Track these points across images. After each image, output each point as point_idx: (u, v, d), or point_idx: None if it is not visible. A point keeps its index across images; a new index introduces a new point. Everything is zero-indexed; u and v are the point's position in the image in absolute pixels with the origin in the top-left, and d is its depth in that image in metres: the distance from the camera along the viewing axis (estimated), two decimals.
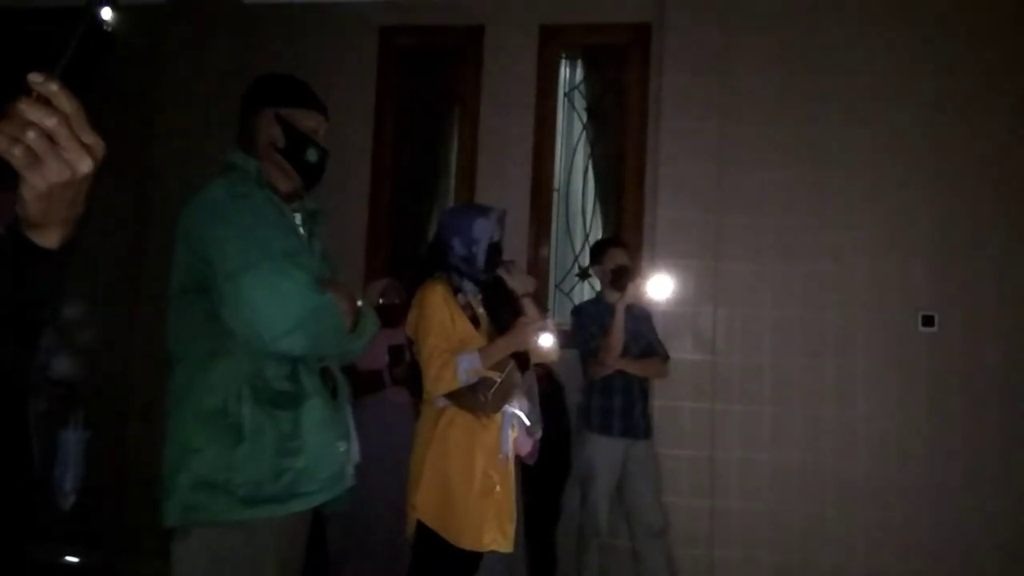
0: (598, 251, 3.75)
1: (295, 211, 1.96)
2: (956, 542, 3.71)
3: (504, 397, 2.53)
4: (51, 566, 4.13)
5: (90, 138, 0.75)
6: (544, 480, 3.57)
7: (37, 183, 0.74)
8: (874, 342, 3.85)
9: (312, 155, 1.96)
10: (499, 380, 2.50)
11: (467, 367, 2.46)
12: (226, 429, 1.69)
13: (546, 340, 2.67)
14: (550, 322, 2.69)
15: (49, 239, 0.80)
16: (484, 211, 2.69)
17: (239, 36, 4.35)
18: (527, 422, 2.65)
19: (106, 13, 0.80)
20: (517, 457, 2.70)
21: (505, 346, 2.56)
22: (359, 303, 1.90)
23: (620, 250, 3.65)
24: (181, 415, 1.75)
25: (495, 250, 2.65)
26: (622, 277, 3.53)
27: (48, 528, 3.39)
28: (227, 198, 1.76)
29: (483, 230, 2.60)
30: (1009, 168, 3.82)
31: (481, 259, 2.60)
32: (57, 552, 4.20)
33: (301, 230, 1.95)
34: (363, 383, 3.43)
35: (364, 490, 3.08)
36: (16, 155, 0.72)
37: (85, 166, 0.75)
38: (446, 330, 2.51)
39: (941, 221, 3.85)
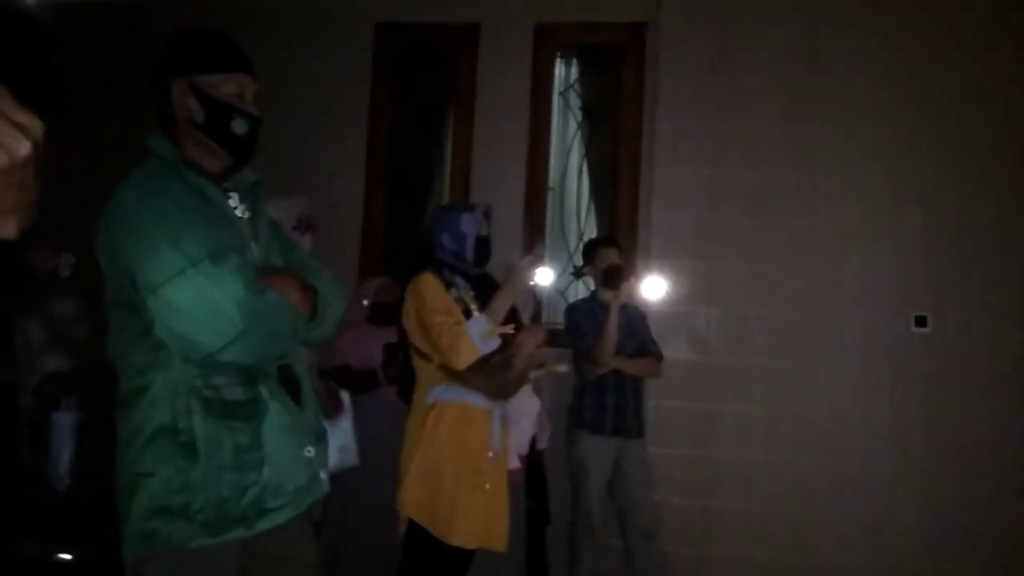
0: (590, 250, 3.75)
1: (230, 190, 1.73)
2: (950, 540, 3.72)
3: (522, 377, 2.53)
4: (44, 563, 4.11)
5: (23, 118, 0.71)
6: (535, 481, 3.57)
7: None
8: (867, 342, 3.86)
9: (239, 126, 1.68)
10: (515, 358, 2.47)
11: (479, 330, 2.42)
12: (178, 447, 1.53)
13: (544, 276, 2.64)
14: (541, 253, 2.62)
15: (5, 229, 0.76)
16: (470, 206, 2.73)
17: (233, 33, 4.33)
18: (521, 420, 2.66)
19: None
20: (524, 456, 2.71)
21: (507, 294, 2.51)
22: (317, 284, 1.73)
23: (612, 249, 3.66)
24: (129, 435, 1.59)
25: (483, 244, 2.66)
26: (614, 276, 3.54)
27: (40, 522, 3.38)
28: (137, 200, 1.55)
29: (470, 224, 2.62)
30: (1004, 168, 3.82)
31: (470, 253, 2.62)
32: (50, 548, 4.18)
33: (239, 211, 1.73)
34: (357, 381, 3.43)
35: (357, 489, 3.09)
36: None
37: (22, 148, 0.71)
38: (450, 307, 2.50)
39: (935, 221, 3.85)
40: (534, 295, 3.49)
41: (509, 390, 2.55)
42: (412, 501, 2.47)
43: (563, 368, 2.69)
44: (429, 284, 2.54)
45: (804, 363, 3.88)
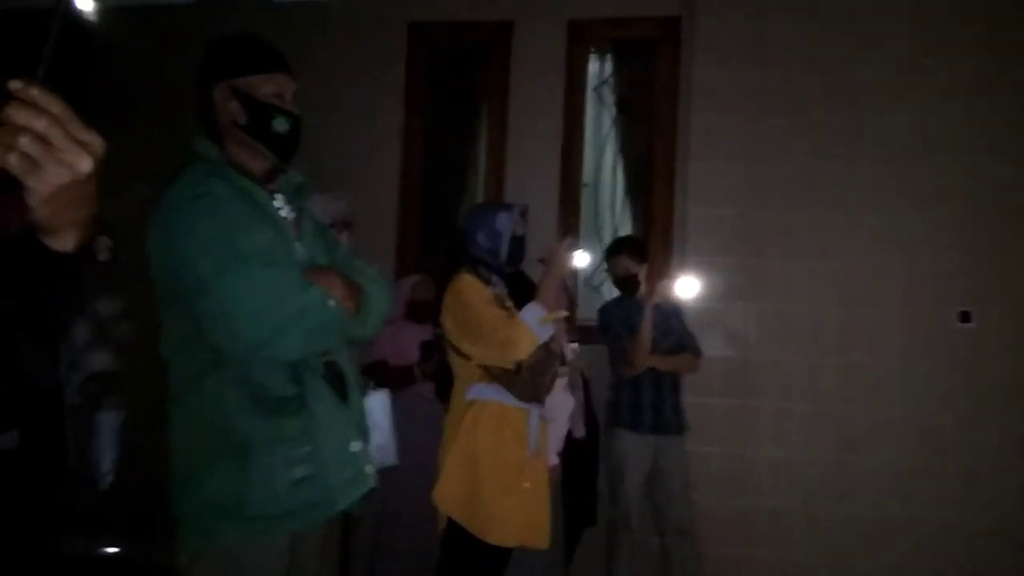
0: (608, 255, 3.73)
1: (275, 191, 1.78)
2: (995, 542, 3.64)
3: (552, 381, 2.54)
4: (88, 557, 4.21)
5: (85, 136, 0.74)
6: (574, 477, 3.56)
7: (39, 188, 0.73)
8: (910, 339, 3.79)
9: (281, 124, 1.72)
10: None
11: (535, 318, 2.43)
12: (230, 446, 1.58)
13: (581, 258, 2.66)
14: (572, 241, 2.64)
15: (64, 242, 0.79)
16: (506, 206, 2.75)
17: (269, 34, 4.38)
18: (558, 419, 2.66)
19: (84, 4, 0.78)
20: (560, 454, 2.72)
21: (551, 281, 2.52)
22: (362, 281, 1.76)
23: (628, 258, 3.62)
24: (181, 433, 1.65)
25: (518, 244, 2.67)
26: (629, 286, 3.54)
27: (85, 518, 3.46)
28: (186, 202, 1.59)
29: (505, 223, 2.63)
30: None
31: (505, 252, 2.64)
32: (94, 543, 4.28)
33: (285, 212, 1.77)
34: (394, 378, 3.45)
35: (393, 486, 3.11)
36: (13, 163, 0.71)
37: (84, 165, 0.73)
38: (497, 306, 2.53)
39: (979, 214, 3.77)
40: (566, 285, 3.50)
41: (541, 393, 2.55)
42: (450, 499, 2.48)
43: (564, 313, 2.69)
44: (470, 284, 2.56)
45: (844, 360, 3.82)
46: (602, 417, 3.70)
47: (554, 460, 2.89)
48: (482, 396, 2.52)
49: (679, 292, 3.57)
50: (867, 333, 3.82)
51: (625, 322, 3.51)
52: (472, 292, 2.53)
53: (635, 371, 3.47)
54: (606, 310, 3.71)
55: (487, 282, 2.61)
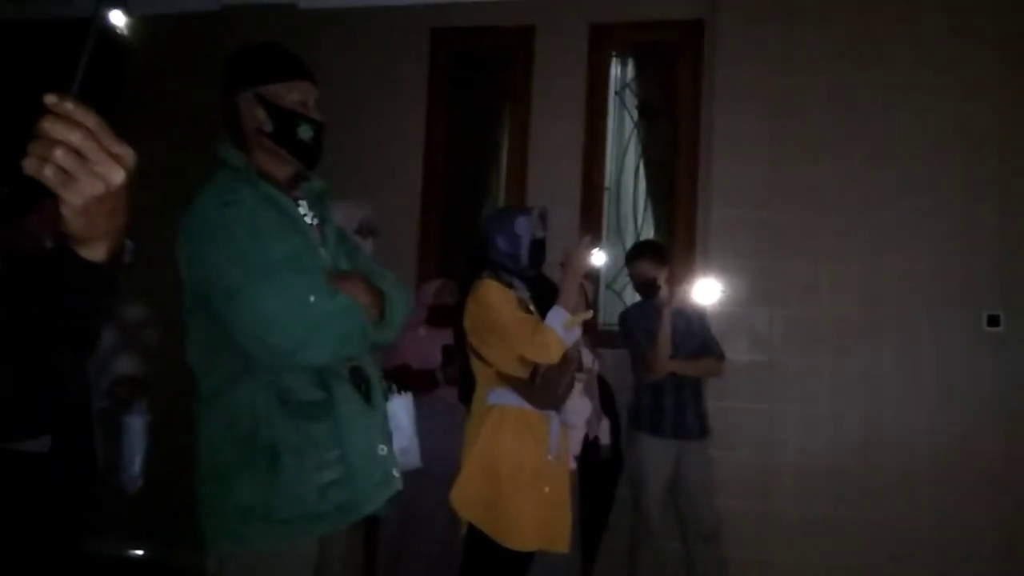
0: (629, 259, 3.72)
1: (299, 198, 1.81)
2: (1023, 547, 3.58)
3: (569, 387, 2.54)
4: (116, 560, 4.26)
5: (118, 148, 0.75)
6: (597, 480, 3.55)
7: (73, 200, 0.74)
8: (937, 342, 3.73)
9: (305, 132, 1.75)
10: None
11: (560, 321, 2.45)
12: (259, 451, 1.59)
13: (598, 257, 2.66)
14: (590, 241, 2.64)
15: (96, 252, 0.81)
16: (525, 210, 2.76)
17: (294, 41, 4.43)
18: (578, 423, 2.66)
19: (117, 19, 0.80)
20: (577, 458, 2.72)
21: (570, 282, 2.54)
22: (383, 287, 1.79)
23: (649, 262, 3.60)
24: (210, 437, 1.67)
25: (538, 247, 2.67)
26: (649, 290, 3.52)
27: (112, 521, 3.50)
28: (216, 209, 1.62)
29: (524, 227, 2.63)
30: None
31: (525, 256, 2.63)
32: (121, 546, 4.33)
33: (308, 219, 1.79)
34: (416, 382, 3.46)
35: (417, 490, 3.12)
36: (48, 175, 0.72)
37: (117, 177, 0.75)
38: (521, 311, 2.54)
39: (1007, 216, 3.71)
40: (584, 288, 3.50)
41: (557, 400, 2.55)
42: (469, 502, 2.49)
43: (589, 314, 2.69)
44: (494, 289, 2.56)
45: (871, 364, 3.78)
46: (624, 421, 3.68)
47: (572, 465, 2.88)
48: (503, 400, 2.53)
49: (699, 296, 3.53)
50: (893, 337, 3.78)
51: (645, 327, 3.50)
52: (497, 298, 2.54)
53: (656, 376, 3.46)
54: (627, 315, 3.70)
55: (509, 286, 2.61)
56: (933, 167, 3.79)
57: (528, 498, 2.46)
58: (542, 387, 2.49)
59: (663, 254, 3.71)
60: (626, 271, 4.27)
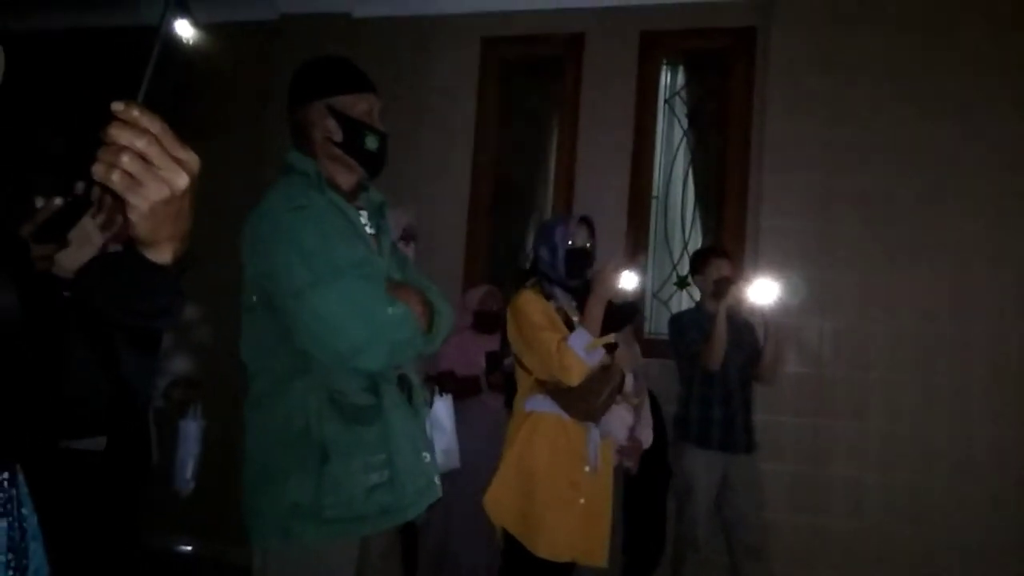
0: (700, 260, 3.66)
1: (360, 208, 1.86)
2: None
3: (610, 400, 2.52)
4: (166, 553, 4.37)
5: (182, 153, 0.78)
6: (644, 489, 3.52)
7: (139, 204, 0.77)
8: (993, 357, 3.62)
9: (372, 142, 1.83)
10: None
11: (582, 344, 2.41)
12: (310, 450, 1.63)
13: (628, 280, 2.56)
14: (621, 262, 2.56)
15: (162, 255, 0.83)
16: (564, 219, 2.73)
17: (348, 50, 4.51)
18: (619, 435, 2.64)
19: (184, 29, 0.83)
20: (621, 468, 2.69)
21: (596, 303, 2.47)
22: (431, 299, 1.84)
23: (723, 260, 3.56)
24: (261, 435, 1.71)
25: (576, 256, 2.62)
26: (725, 288, 3.43)
27: (165, 517, 3.59)
28: (287, 212, 1.67)
29: (561, 237, 2.61)
30: None
31: (561, 265, 2.61)
32: (172, 540, 4.44)
33: (368, 228, 1.86)
34: (460, 387, 3.48)
35: (460, 495, 3.14)
36: (115, 180, 0.75)
37: (181, 181, 0.78)
38: (553, 322, 2.51)
39: None
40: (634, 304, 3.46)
41: (594, 413, 2.51)
42: (502, 508, 2.49)
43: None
44: (529, 301, 2.55)
45: (924, 379, 3.68)
46: (670, 432, 3.65)
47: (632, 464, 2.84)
48: (540, 407, 2.51)
49: (755, 296, 3.42)
50: (948, 349, 3.68)
51: (699, 329, 3.46)
52: (532, 310, 2.52)
53: (712, 367, 3.39)
54: (679, 319, 3.66)
55: (549, 296, 2.59)
56: (992, 175, 3.68)
57: (562, 508, 2.44)
58: (580, 397, 2.46)
59: (729, 255, 3.67)
60: (674, 280, 4.24)
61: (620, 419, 2.67)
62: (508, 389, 2.80)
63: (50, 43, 4.70)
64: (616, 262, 2.53)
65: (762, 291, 3.35)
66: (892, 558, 3.64)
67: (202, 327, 4.37)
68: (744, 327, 3.58)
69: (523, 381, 2.60)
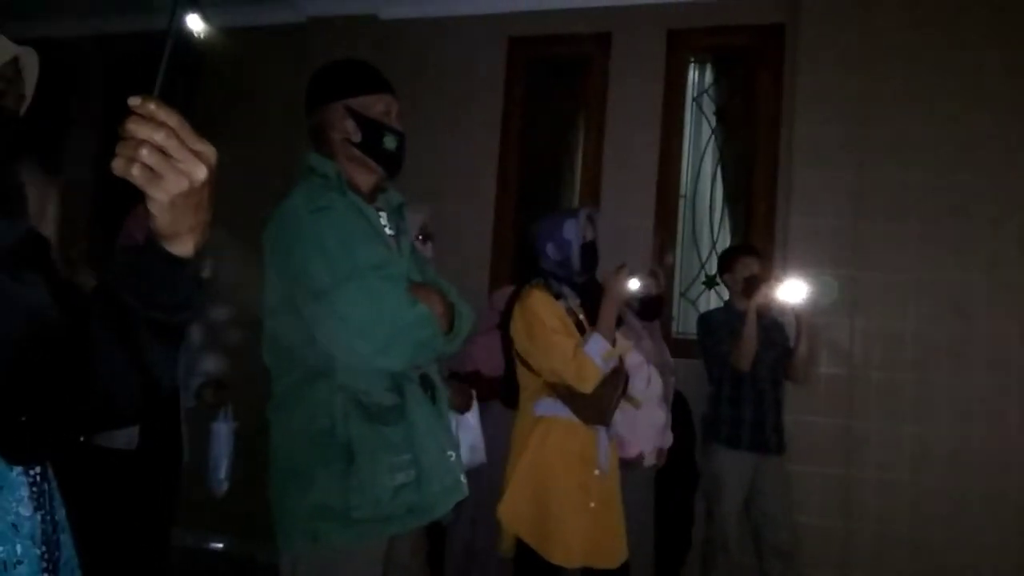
0: (729, 259, 3.63)
1: (379, 209, 1.87)
2: None
3: (618, 402, 2.51)
4: (197, 551, 4.43)
5: (200, 146, 0.79)
6: (673, 489, 3.51)
7: (159, 196, 0.78)
8: None
9: (390, 142, 1.83)
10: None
11: (600, 352, 2.39)
12: (336, 451, 1.63)
13: (634, 283, 2.59)
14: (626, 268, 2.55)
15: (183, 247, 0.84)
16: (573, 212, 2.68)
17: (375, 51, 4.54)
18: (628, 436, 2.63)
19: (195, 23, 0.84)
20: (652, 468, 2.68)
21: (609, 308, 2.45)
22: (451, 300, 1.84)
23: (753, 259, 3.52)
24: (286, 437, 1.71)
25: (588, 250, 2.59)
26: (755, 287, 3.39)
27: (197, 515, 3.63)
28: (308, 213, 1.68)
29: (573, 231, 2.56)
30: None
31: (576, 261, 2.56)
32: (203, 538, 4.49)
33: (388, 229, 1.86)
34: (487, 388, 3.48)
35: (487, 493, 3.14)
36: (135, 174, 0.76)
37: (200, 173, 0.79)
38: (566, 324, 2.48)
39: None
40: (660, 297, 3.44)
41: (605, 415, 2.50)
42: (517, 517, 2.47)
43: (629, 347, 2.65)
44: (541, 300, 2.51)
45: (958, 380, 3.62)
46: (699, 432, 3.62)
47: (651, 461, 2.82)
48: (551, 412, 2.49)
49: (785, 295, 3.37)
50: (981, 351, 3.61)
51: (728, 328, 3.43)
52: (544, 311, 2.48)
53: (743, 367, 3.36)
54: (708, 317, 3.63)
55: (558, 295, 2.56)
56: (1020, 171, 3.61)
57: (574, 513, 2.42)
58: (591, 401, 2.43)
59: (759, 254, 3.64)
60: (702, 279, 4.21)
61: (630, 421, 2.67)
62: (507, 388, 2.75)
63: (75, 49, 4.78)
64: (624, 268, 2.52)
65: (792, 290, 3.31)
66: (922, 562, 3.58)
67: (232, 329, 4.42)
68: (774, 326, 3.54)
69: (529, 382, 2.56)
